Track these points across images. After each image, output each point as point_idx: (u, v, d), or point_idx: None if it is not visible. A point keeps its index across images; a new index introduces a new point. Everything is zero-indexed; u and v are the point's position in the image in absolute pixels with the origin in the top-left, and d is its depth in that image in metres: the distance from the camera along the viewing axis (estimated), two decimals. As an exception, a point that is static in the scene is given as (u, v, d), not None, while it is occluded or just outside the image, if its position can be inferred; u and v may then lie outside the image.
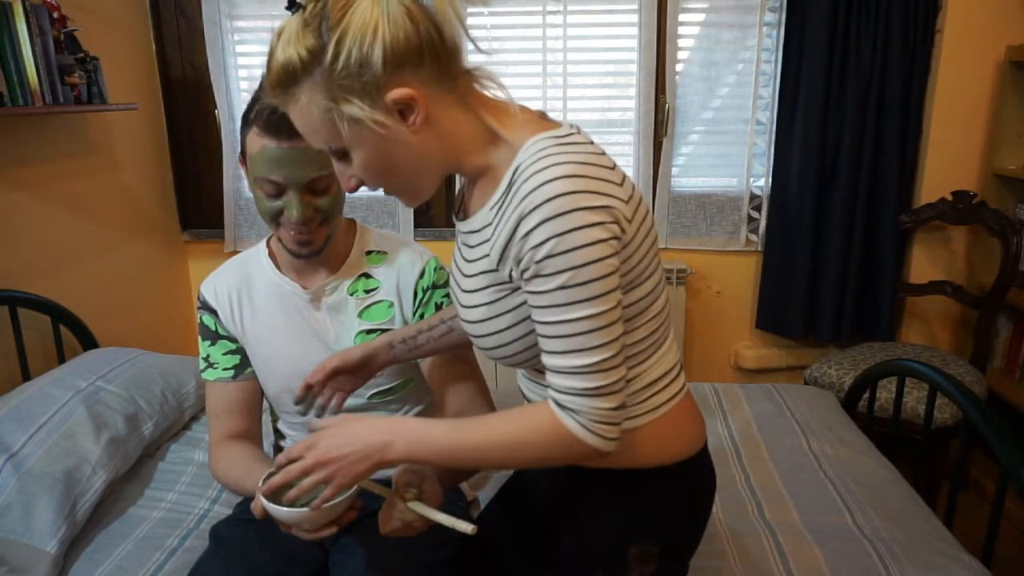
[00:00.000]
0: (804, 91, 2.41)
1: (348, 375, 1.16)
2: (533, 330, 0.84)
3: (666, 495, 0.95)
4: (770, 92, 2.52)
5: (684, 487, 0.97)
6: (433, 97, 0.80)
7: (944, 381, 1.56)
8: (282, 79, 0.79)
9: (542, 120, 0.87)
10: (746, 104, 2.55)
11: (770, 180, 2.57)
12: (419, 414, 1.34)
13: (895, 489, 1.58)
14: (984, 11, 2.34)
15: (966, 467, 2.38)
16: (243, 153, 1.14)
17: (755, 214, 2.65)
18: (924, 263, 2.59)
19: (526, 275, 0.79)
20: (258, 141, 1.09)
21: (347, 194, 1.21)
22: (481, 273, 0.88)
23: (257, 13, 2.56)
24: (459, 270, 0.94)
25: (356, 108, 0.77)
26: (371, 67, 0.76)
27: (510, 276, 0.83)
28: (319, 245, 1.17)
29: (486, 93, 0.86)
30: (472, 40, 0.86)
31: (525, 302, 0.84)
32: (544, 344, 0.81)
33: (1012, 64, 2.31)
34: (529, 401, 1.00)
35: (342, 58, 0.75)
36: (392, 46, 0.76)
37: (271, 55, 0.79)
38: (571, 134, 0.82)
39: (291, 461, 0.91)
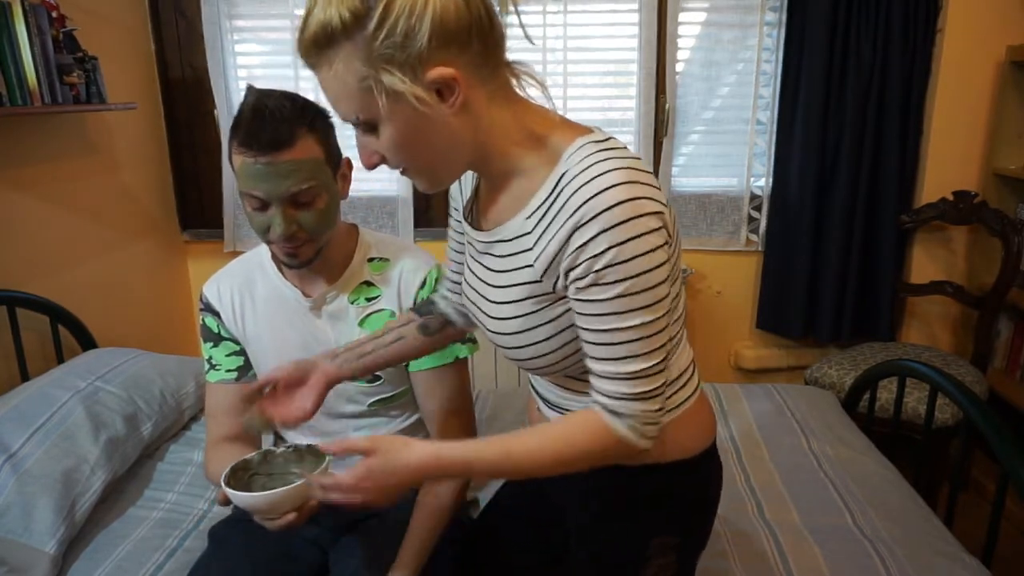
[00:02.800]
0: (804, 91, 2.41)
1: (303, 390, 1.06)
2: (573, 339, 0.84)
3: (687, 487, 0.97)
4: (770, 92, 2.52)
5: (702, 479, 0.98)
6: (473, 82, 0.77)
7: (945, 381, 1.56)
8: (318, 40, 0.73)
9: (573, 124, 0.84)
10: (746, 104, 2.55)
11: (770, 180, 2.57)
12: (418, 422, 1.34)
13: (895, 489, 1.58)
14: (984, 11, 2.34)
15: (966, 467, 2.38)
16: (233, 170, 1.14)
17: (755, 214, 2.65)
18: (924, 263, 2.59)
19: (581, 283, 0.77)
20: (238, 156, 1.07)
21: (346, 195, 1.22)
22: (520, 284, 0.85)
23: (257, 13, 2.56)
24: (482, 281, 0.91)
25: (398, 80, 0.73)
26: (417, 40, 0.71)
27: (554, 286, 0.82)
28: (307, 258, 1.15)
29: (520, 93, 0.82)
30: (524, 28, 0.84)
31: (567, 311, 0.83)
32: (592, 351, 0.80)
33: (1012, 64, 2.30)
34: (549, 406, 0.99)
35: (387, 26, 0.71)
36: (442, 21, 0.72)
37: (308, 13, 0.73)
38: (609, 139, 0.81)
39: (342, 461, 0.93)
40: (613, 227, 0.73)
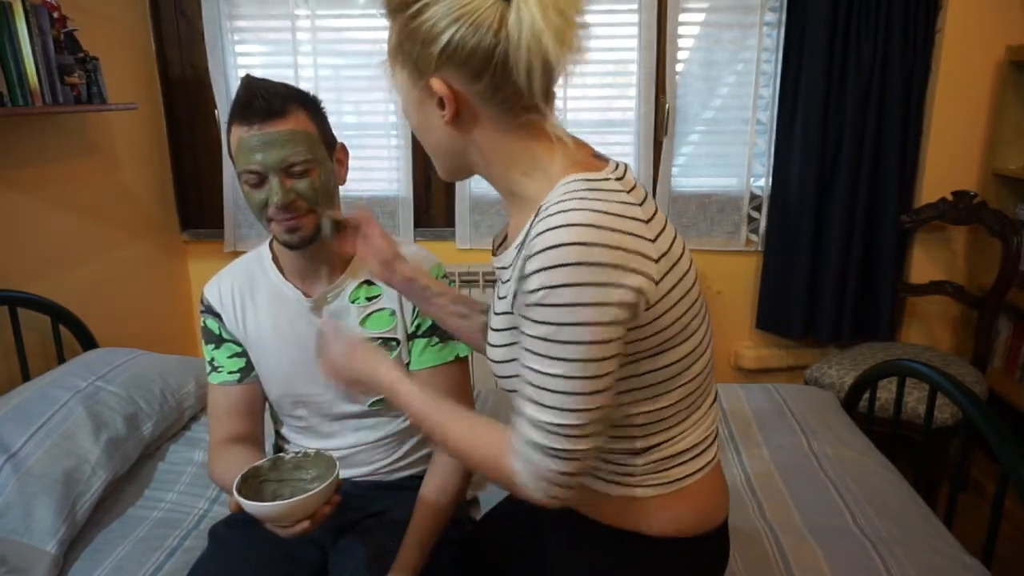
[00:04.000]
0: (804, 91, 2.41)
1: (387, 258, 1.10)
2: None
3: (680, 567, 0.90)
4: (770, 92, 2.52)
5: (693, 562, 0.91)
6: (478, 108, 0.79)
7: (944, 381, 1.56)
8: (388, 2, 0.81)
9: (590, 159, 0.83)
10: (746, 104, 2.55)
11: (770, 180, 2.57)
12: None
13: (895, 489, 1.58)
14: (984, 11, 2.34)
15: (966, 467, 2.37)
16: (232, 159, 1.15)
17: (755, 214, 2.65)
18: (924, 263, 2.59)
19: (520, 313, 0.76)
20: (236, 135, 1.10)
21: (343, 181, 1.22)
22: (505, 313, 0.85)
23: (257, 13, 2.56)
24: (492, 308, 0.92)
25: (403, 77, 0.81)
26: (432, 47, 0.76)
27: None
28: (308, 233, 1.15)
29: (547, 126, 0.81)
30: (551, 102, 0.81)
31: None
32: (520, 387, 0.77)
33: (1012, 64, 2.30)
34: None
35: (415, 24, 0.76)
36: (456, 48, 0.75)
37: None
38: (606, 179, 0.77)
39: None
40: (548, 268, 0.70)
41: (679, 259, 0.79)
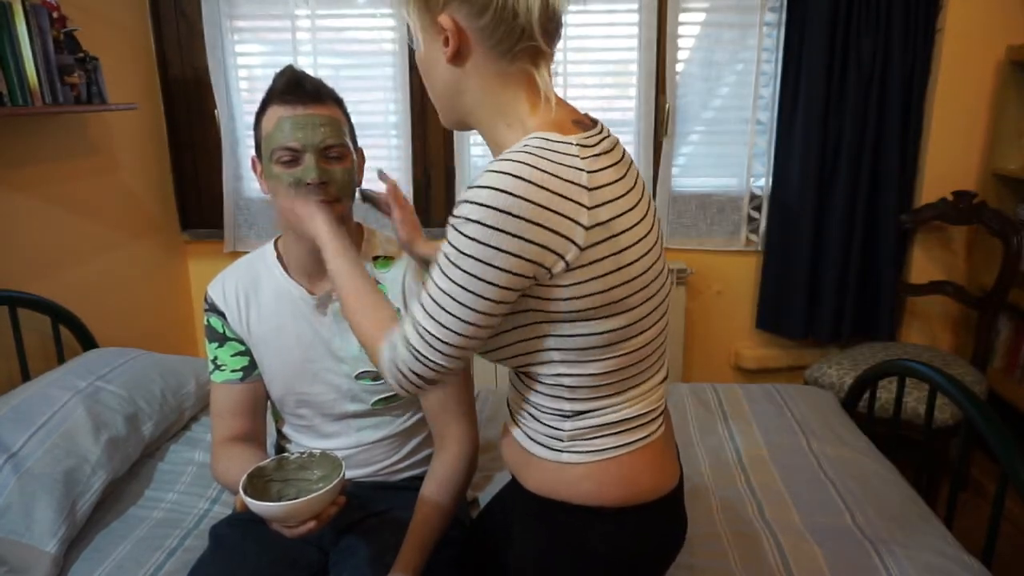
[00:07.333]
0: (804, 91, 2.41)
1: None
2: (509, 330, 0.85)
3: (602, 538, 0.90)
4: (770, 92, 2.52)
5: (623, 535, 0.90)
6: (476, 47, 0.83)
7: (944, 381, 1.56)
8: None
9: (568, 123, 0.84)
10: (746, 104, 2.55)
11: (770, 180, 2.57)
12: (420, 420, 1.34)
13: (895, 489, 1.58)
14: (984, 11, 2.34)
15: (966, 467, 2.38)
16: (257, 149, 1.17)
17: (755, 214, 2.65)
18: (924, 263, 2.59)
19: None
20: (275, 114, 1.13)
21: (360, 182, 1.26)
22: None
23: (257, 13, 2.56)
24: None
25: (412, 18, 0.85)
26: None
27: None
28: (335, 218, 1.16)
29: (538, 78, 0.85)
30: (557, 32, 0.86)
31: (495, 303, 0.83)
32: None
33: (1012, 64, 2.30)
34: (510, 401, 0.99)
35: None
36: None
37: None
38: (566, 143, 0.79)
39: None
40: (474, 202, 0.75)
41: (623, 232, 0.81)
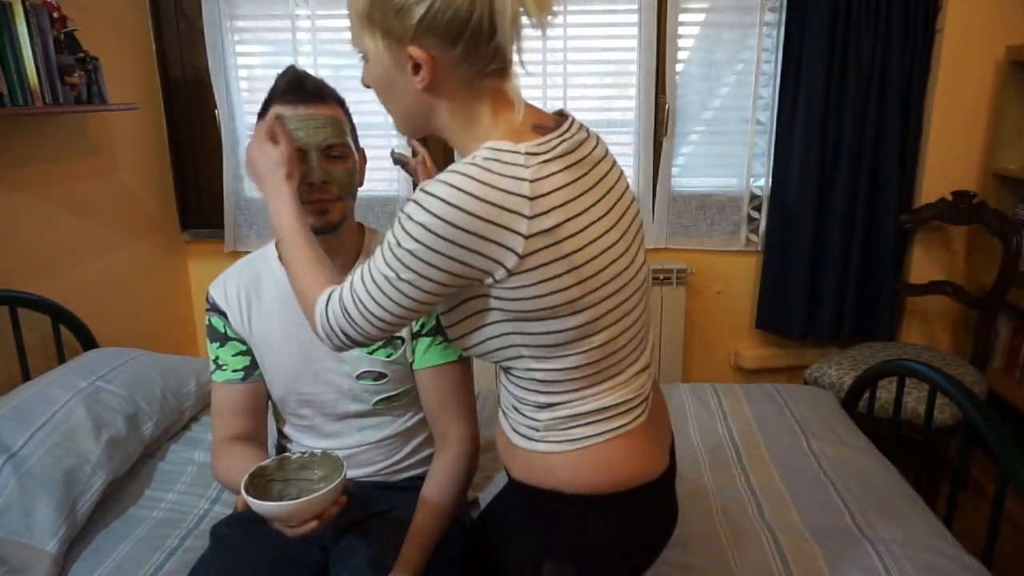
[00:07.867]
0: (804, 91, 2.41)
1: None
2: (479, 327, 0.88)
3: (585, 524, 0.92)
4: (770, 92, 2.52)
5: (605, 521, 0.92)
6: (449, 74, 0.83)
7: (944, 381, 1.56)
8: None
9: (528, 129, 0.85)
10: (746, 104, 2.55)
11: (770, 180, 2.57)
12: (421, 420, 1.34)
13: (895, 489, 1.58)
14: (984, 11, 2.34)
15: (966, 467, 2.38)
16: None
17: (755, 214, 2.65)
18: (924, 263, 2.59)
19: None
20: (279, 110, 1.14)
21: (361, 182, 1.25)
22: None
23: (257, 13, 2.56)
24: None
25: (374, 43, 0.84)
26: (407, 19, 0.80)
27: None
28: (337, 217, 1.19)
29: (508, 90, 0.87)
30: (522, 61, 0.88)
31: (463, 303, 0.87)
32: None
33: (1012, 64, 2.31)
34: (500, 395, 1.00)
35: None
36: (435, 15, 0.79)
37: None
38: (514, 152, 0.80)
39: None
40: (418, 205, 0.79)
41: (572, 236, 0.82)
